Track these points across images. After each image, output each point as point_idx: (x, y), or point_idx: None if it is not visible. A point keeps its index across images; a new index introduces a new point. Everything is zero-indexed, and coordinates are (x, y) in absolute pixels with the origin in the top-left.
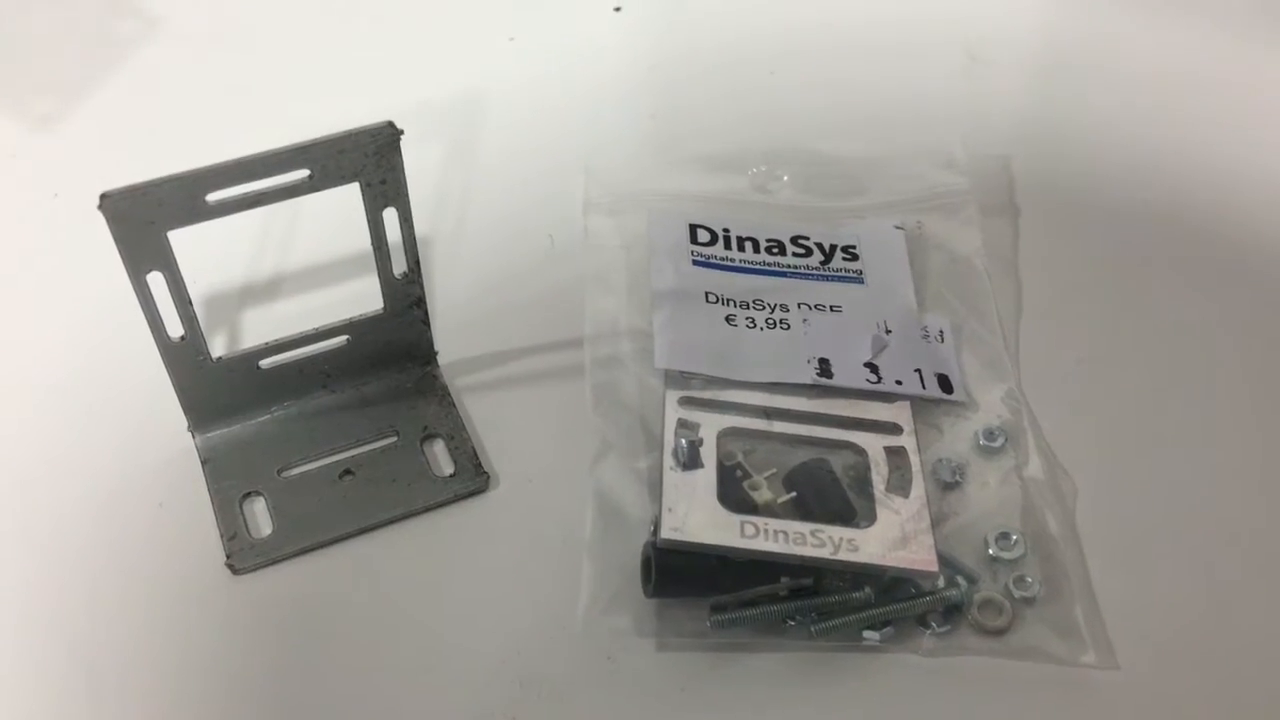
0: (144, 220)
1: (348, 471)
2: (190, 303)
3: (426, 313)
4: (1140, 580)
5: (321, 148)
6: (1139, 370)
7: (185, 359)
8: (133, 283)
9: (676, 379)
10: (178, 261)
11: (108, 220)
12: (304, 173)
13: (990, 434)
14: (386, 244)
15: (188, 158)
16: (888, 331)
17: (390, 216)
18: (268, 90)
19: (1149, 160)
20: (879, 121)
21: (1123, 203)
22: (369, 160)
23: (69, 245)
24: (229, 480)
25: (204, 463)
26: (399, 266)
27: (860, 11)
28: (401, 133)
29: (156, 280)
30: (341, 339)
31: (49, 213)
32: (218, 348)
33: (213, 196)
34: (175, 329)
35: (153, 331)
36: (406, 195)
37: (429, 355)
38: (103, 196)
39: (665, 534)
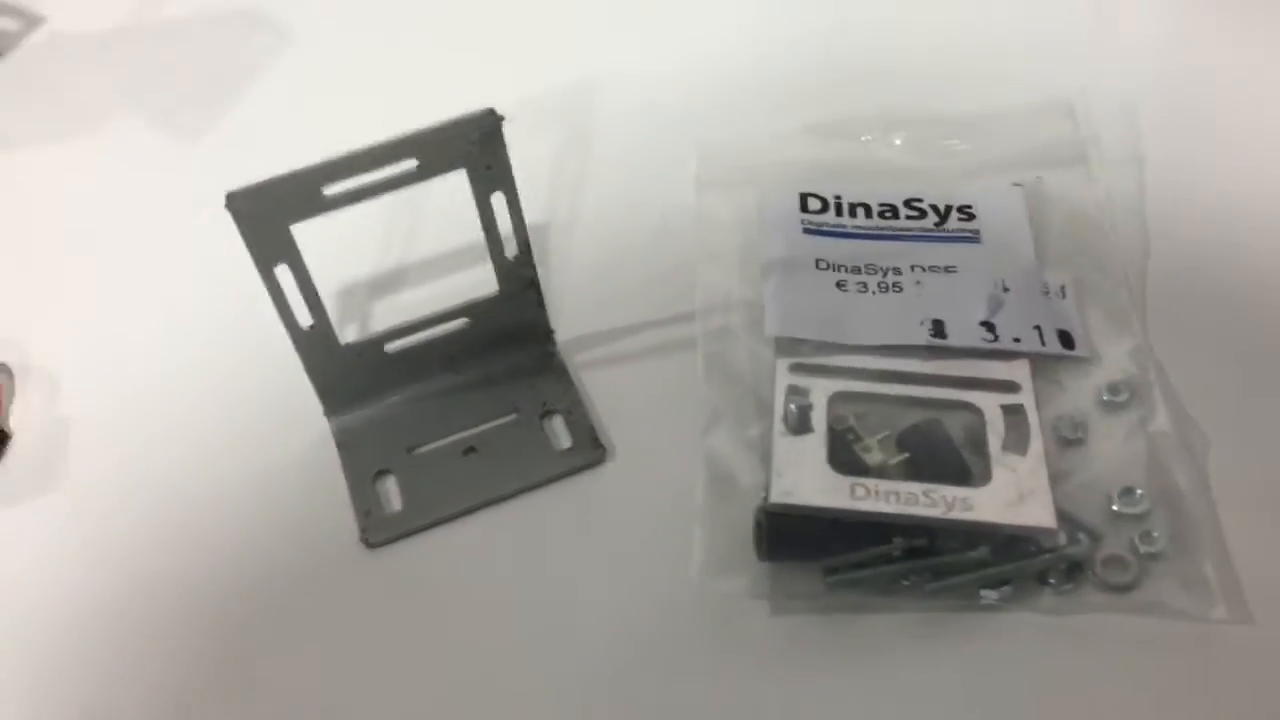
0: (268, 215)
1: (471, 449)
2: (316, 292)
3: (540, 293)
4: (1277, 533)
5: (426, 137)
6: (1271, 318)
7: (315, 346)
8: (261, 276)
9: (787, 346)
10: (302, 255)
11: (234, 218)
12: (412, 163)
13: (1114, 389)
14: (497, 228)
15: (319, 158)
16: (1005, 290)
17: (499, 202)
18: (394, 90)
19: None
20: (995, 73)
21: (1257, 147)
22: (474, 147)
23: (214, 246)
24: (362, 460)
25: (339, 445)
26: (510, 250)
27: None
28: (503, 119)
29: (284, 273)
30: (462, 321)
31: (194, 216)
32: (346, 335)
33: (329, 190)
34: (305, 318)
35: (283, 321)
36: (512, 180)
37: (546, 334)
38: (229, 196)
39: (776, 497)
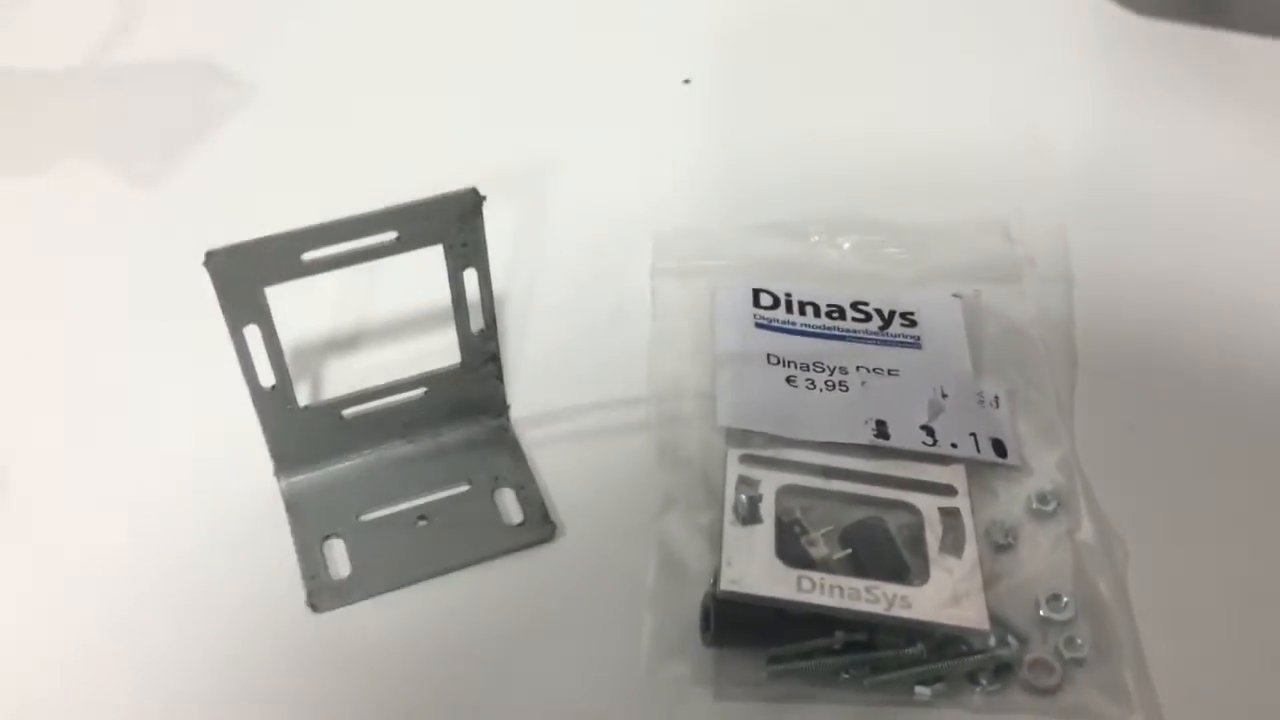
0: (244, 277)
1: (422, 517)
2: (282, 354)
3: (500, 368)
4: (1190, 645)
5: (409, 211)
6: (1190, 436)
7: (275, 407)
8: (231, 335)
9: (738, 437)
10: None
11: (211, 276)
12: (392, 234)
13: (1043, 498)
14: (465, 302)
15: (278, 214)
16: (944, 396)
17: (470, 276)
18: (353, 156)
19: (1201, 236)
20: (938, 191)
21: (1177, 275)
22: (453, 223)
23: (165, 296)
24: (310, 522)
25: (288, 506)
26: (476, 324)
27: (922, 85)
28: (484, 199)
29: (252, 333)
30: (419, 391)
31: (147, 265)
32: (303, 396)
33: (308, 255)
34: (267, 378)
35: (246, 380)
36: (486, 257)
37: (501, 409)
38: (208, 254)
39: (724, 585)
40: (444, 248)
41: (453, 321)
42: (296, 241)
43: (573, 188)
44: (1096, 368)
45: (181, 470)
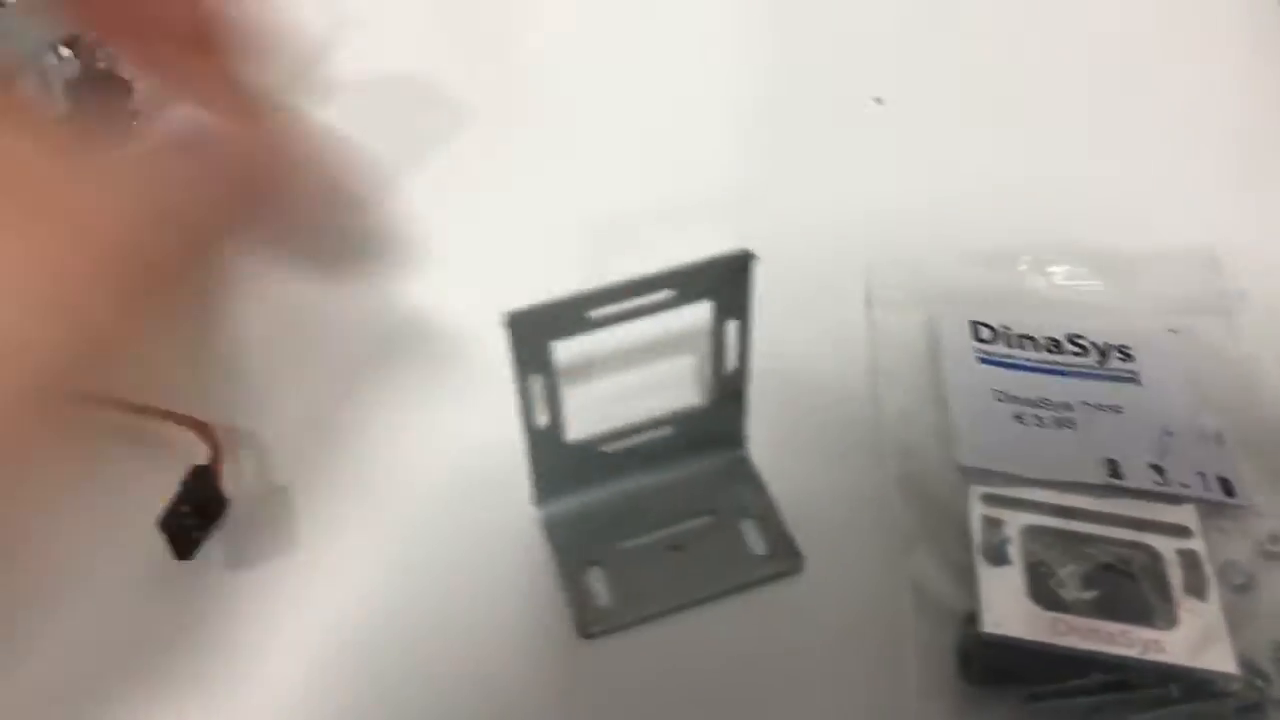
0: (536, 334)
1: (675, 547)
2: (559, 399)
3: (744, 404)
4: None
5: (689, 272)
6: None
7: (545, 443)
8: (517, 384)
9: (976, 475)
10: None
11: (508, 335)
12: (669, 292)
13: (1275, 539)
14: (724, 348)
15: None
16: (1169, 434)
17: (730, 327)
18: (561, 180)
19: None
20: (1145, 218)
21: None
22: (724, 281)
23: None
24: (571, 551)
25: (548, 534)
26: (730, 365)
27: (1125, 105)
28: (756, 259)
29: (535, 381)
30: (668, 428)
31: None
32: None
33: (594, 312)
34: (542, 419)
35: (523, 420)
36: (750, 311)
37: (740, 440)
38: (508, 315)
39: (988, 628)
40: (713, 303)
41: (685, 353)
42: (585, 302)
43: (776, 213)
44: None
45: (445, 496)
